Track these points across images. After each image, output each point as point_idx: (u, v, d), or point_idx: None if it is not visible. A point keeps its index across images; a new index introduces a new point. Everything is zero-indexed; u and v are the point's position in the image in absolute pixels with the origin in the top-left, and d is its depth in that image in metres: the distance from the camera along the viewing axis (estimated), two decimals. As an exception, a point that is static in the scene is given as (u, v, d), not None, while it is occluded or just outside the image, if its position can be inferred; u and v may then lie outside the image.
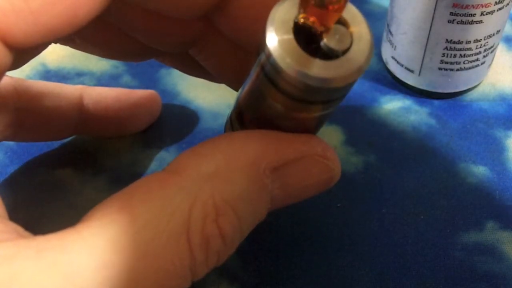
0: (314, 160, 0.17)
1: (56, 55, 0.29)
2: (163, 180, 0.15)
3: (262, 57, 0.15)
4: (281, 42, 0.14)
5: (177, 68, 0.24)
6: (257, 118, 0.17)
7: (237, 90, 0.19)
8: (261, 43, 0.15)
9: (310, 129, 0.17)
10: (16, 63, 0.18)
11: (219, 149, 0.16)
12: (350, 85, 0.15)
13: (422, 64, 0.27)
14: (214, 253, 0.15)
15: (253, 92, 0.16)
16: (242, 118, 0.18)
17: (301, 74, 0.14)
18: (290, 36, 0.14)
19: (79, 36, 0.20)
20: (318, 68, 0.14)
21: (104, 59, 0.28)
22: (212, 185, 0.15)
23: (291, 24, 0.14)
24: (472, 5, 0.24)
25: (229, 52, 0.20)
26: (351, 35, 0.14)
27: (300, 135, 0.17)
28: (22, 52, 0.16)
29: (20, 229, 0.15)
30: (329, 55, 0.14)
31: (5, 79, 0.22)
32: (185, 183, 0.15)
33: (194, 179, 0.15)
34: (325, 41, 0.14)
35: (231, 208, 0.15)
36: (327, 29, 0.14)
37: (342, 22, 0.15)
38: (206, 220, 0.15)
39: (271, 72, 0.15)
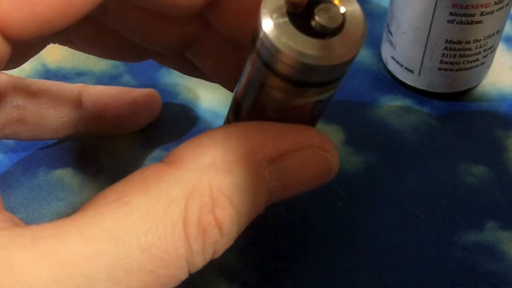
0: (311, 151, 0.17)
1: (56, 55, 0.29)
2: (160, 171, 0.15)
3: (258, 43, 0.15)
4: (276, 25, 0.15)
5: (174, 69, 0.24)
6: (254, 111, 0.17)
7: (232, 91, 0.19)
8: (256, 30, 0.15)
9: (307, 119, 0.17)
10: (16, 61, 0.18)
11: (216, 140, 0.16)
12: (345, 65, 0.15)
13: (421, 64, 0.27)
14: (211, 244, 0.15)
15: (250, 82, 0.17)
16: (239, 113, 0.18)
17: (297, 53, 0.14)
18: (285, 19, 0.15)
19: (76, 37, 0.21)
20: (314, 46, 0.15)
21: (104, 59, 0.28)
22: (209, 176, 0.15)
23: (284, 8, 0.15)
24: (472, 5, 0.24)
25: (225, 53, 0.20)
26: (343, 13, 0.15)
27: (297, 126, 0.17)
28: (21, 47, 0.16)
29: (15, 218, 0.15)
30: (323, 34, 0.15)
31: (4, 77, 0.22)
32: (182, 174, 0.15)
33: (191, 170, 0.15)
34: (317, 20, 0.15)
35: (228, 199, 0.15)
36: (320, 5, 0.15)
37: (333, 1, 0.15)
38: (202, 211, 0.15)
39: (267, 56, 0.15)
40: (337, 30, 0.15)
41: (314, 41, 0.15)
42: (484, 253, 0.23)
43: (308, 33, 0.15)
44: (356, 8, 0.15)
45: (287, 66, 0.15)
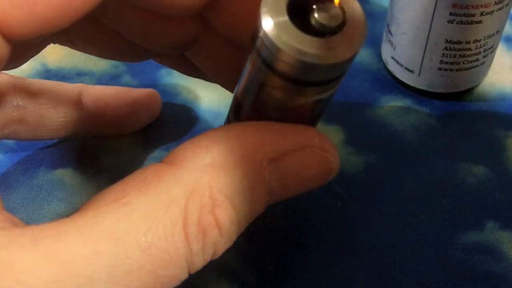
0: (311, 151, 0.17)
1: (56, 55, 0.29)
2: (160, 171, 0.15)
3: (258, 42, 0.15)
4: (276, 24, 0.15)
5: (174, 69, 0.24)
6: (254, 111, 0.17)
7: (232, 92, 0.19)
8: (256, 29, 0.15)
9: (308, 119, 0.17)
10: (16, 61, 0.18)
11: (216, 140, 0.16)
12: (345, 63, 0.15)
13: (421, 64, 0.27)
14: (211, 244, 0.15)
15: (250, 81, 0.17)
16: (239, 113, 0.18)
17: (297, 51, 0.14)
18: (285, 18, 0.15)
19: (76, 37, 0.21)
20: (314, 45, 0.15)
21: (104, 59, 0.28)
22: (209, 177, 0.15)
23: (285, 7, 0.15)
24: (472, 5, 0.24)
25: (225, 53, 0.20)
26: (343, 12, 0.15)
27: (297, 126, 0.17)
28: (21, 47, 0.16)
29: (15, 219, 0.15)
30: (323, 33, 0.15)
31: (4, 77, 0.22)
32: (182, 174, 0.15)
33: (190, 170, 0.15)
34: (317, 19, 0.15)
35: (228, 199, 0.15)
36: (320, 4, 0.15)
37: (333, 0, 0.15)
38: (202, 211, 0.15)
39: (267, 55, 0.15)
40: (337, 29, 0.15)
41: (314, 39, 0.15)
42: (484, 253, 0.23)
43: (308, 32, 0.15)
44: (356, 7, 0.15)
45: (287, 65, 0.15)
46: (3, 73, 0.22)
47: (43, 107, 0.23)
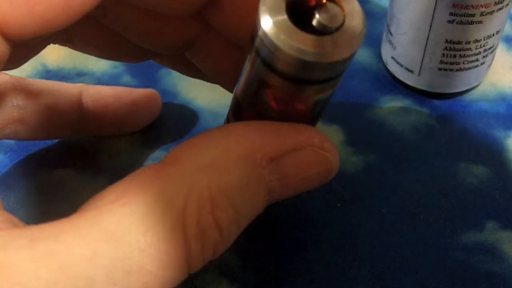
0: (311, 151, 0.17)
1: (56, 55, 0.29)
2: (158, 171, 0.15)
3: (257, 41, 0.15)
4: (275, 23, 0.15)
5: (174, 69, 0.24)
6: (254, 110, 0.17)
7: (232, 92, 0.19)
8: (255, 28, 0.15)
9: (307, 118, 0.17)
10: (16, 61, 0.18)
11: (215, 140, 0.16)
12: (344, 62, 0.15)
13: (421, 65, 0.27)
14: (210, 244, 0.15)
15: (249, 81, 0.17)
16: (239, 113, 0.18)
17: (296, 50, 0.14)
18: (284, 16, 0.15)
19: (76, 37, 0.21)
20: (312, 43, 0.14)
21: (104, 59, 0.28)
22: (207, 176, 0.15)
23: (283, 6, 0.15)
24: (472, 5, 0.24)
25: (225, 54, 0.20)
26: (343, 12, 0.15)
27: (297, 125, 0.17)
28: (21, 48, 0.16)
29: (15, 219, 0.15)
30: (323, 33, 0.15)
31: (4, 77, 0.22)
32: (181, 174, 0.15)
33: (189, 170, 0.15)
34: (318, 19, 0.15)
35: (227, 199, 0.15)
36: (321, 3, 0.15)
37: (333, 0, 0.15)
38: (201, 211, 0.15)
39: (266, 54, 0.15)
40: (337, 28, 0.15)
41: (313, 38, 0.15)
42: (484, 253, 0.23)
43: (307, 30, 0.15)
44: (355, 5, 0.15)
45: (286, 63, 0.15)
46: (3, 73, 0.22)
47: (43, 107, 0.23)
